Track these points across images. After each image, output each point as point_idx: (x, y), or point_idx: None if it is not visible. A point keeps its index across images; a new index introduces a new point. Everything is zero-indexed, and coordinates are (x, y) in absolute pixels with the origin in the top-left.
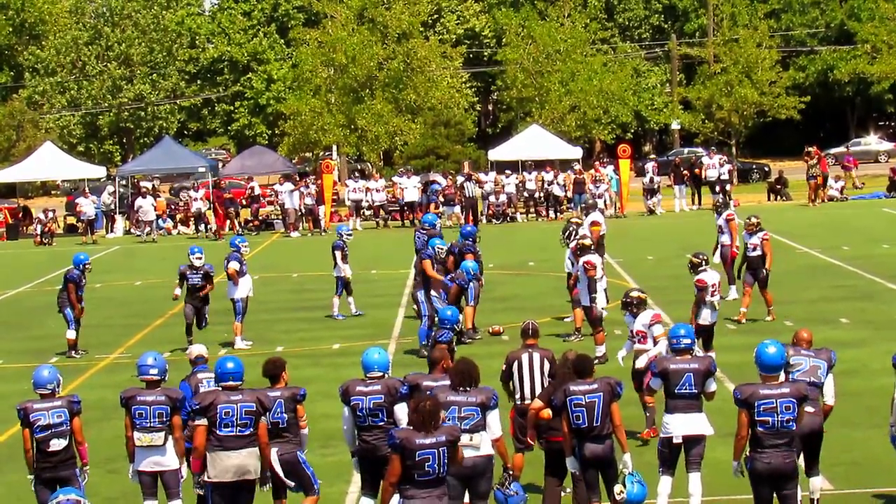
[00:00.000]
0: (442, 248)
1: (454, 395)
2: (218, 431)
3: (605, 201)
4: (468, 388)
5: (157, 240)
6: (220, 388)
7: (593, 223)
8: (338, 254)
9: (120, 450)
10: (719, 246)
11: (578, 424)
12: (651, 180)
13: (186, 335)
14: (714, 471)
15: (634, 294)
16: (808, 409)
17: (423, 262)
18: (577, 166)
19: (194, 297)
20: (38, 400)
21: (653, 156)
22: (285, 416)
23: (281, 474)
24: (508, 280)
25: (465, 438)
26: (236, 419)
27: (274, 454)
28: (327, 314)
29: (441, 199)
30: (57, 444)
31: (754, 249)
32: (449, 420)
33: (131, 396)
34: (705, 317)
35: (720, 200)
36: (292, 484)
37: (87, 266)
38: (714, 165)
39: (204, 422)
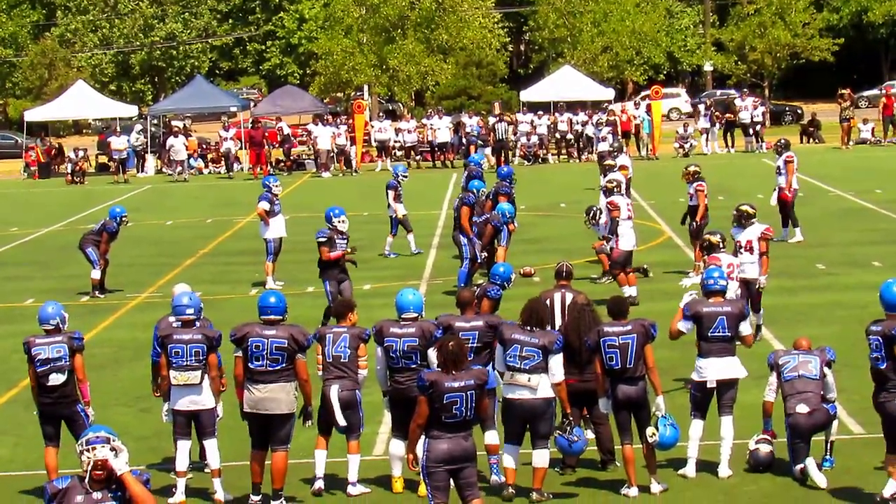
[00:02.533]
0: (483, 191)
1: (519, 332)
2: (249, 364)
3: (609, 144)
4: (534, 329)
5: (189, 179)
6: (256, 322)
7: (622, 167)
8: (391, 193)
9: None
10: (776, 188)
11: (611, 366)
12: (685, 128)
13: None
14: (746, 413)
15: (745, 207)
16: (804, 408)
17: (461, 208)
18: (610, 107)
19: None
20: (42, 335)
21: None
22: (349, 351)
23: (338, 412)
24: (540, 221)
25: (522, 378)
26: (267, 353)
27: (335, 391)
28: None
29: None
30: (55, 379)
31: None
32: (510, 358)
33: (168, 335)
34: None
35: (782, 141)
36: (344, 423)
37: (124, 218)
38: (747, 108)
39: (240, 353)
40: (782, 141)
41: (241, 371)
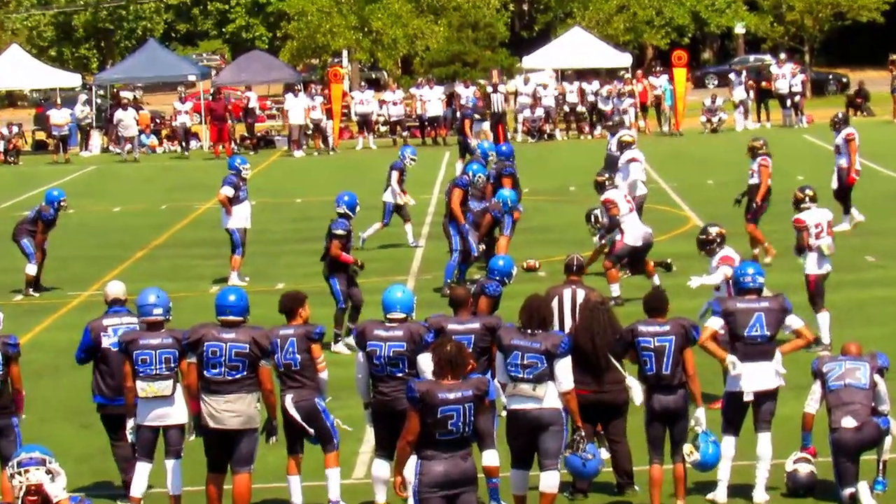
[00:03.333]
0: (482, 178)
1: (518, 337)
2: (205, 372)
3: (630, 118)
4: (535, 332)
5: (140, 159)
6: (213, 323)
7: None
8: (394, 175)
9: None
10: (836, 169)
11: (645, 371)
12: (713, 100)
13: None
14: (783, 429)
15: (714, 230)
16: (851, 422)
17: (452, 191)
18: (627, 75)
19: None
20: None
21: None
22: (298, 356)
23: (300, 421)
24: (546, 207)
25: (526, 388)
26: (225, 360)
27: (289, 401)
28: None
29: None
30: None
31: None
32: (511, 367)
33: (133, 340)
34: (811, 265)
35: (840, 116)
36: (312, 431)
37: (62, 204)
38: (784, 76)
39: (194, 359)
40: (840, 115)
41: (195, 380)
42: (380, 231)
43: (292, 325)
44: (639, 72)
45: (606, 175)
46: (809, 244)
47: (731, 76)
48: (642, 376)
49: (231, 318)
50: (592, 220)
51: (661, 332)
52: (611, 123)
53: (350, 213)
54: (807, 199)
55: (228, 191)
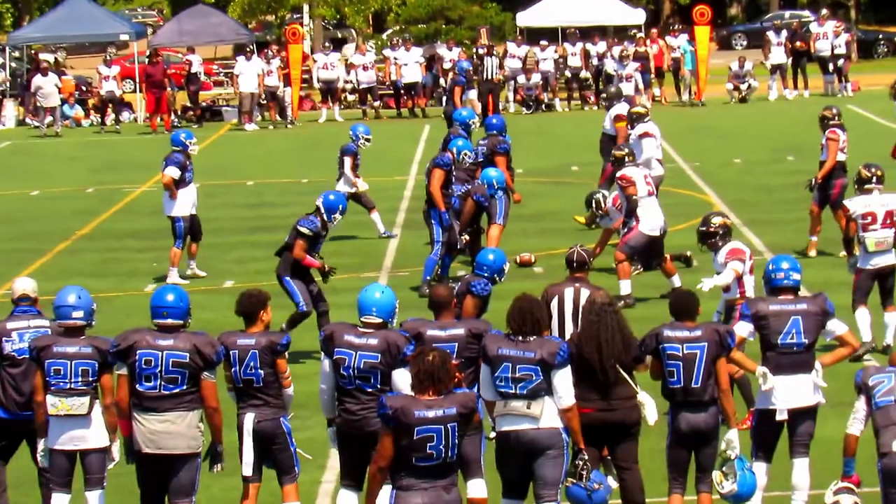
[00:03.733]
0: (468, 155)
1: (507, 345)
2: (138, 386)
3: (636, 85)
4: (527, 338)
5: (62, 133)
6: (148, 329)
7: (618, 117)
8: (347, 161)
9: None
10: None
11: (671, 383)
12: (741, 64)
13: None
14: (822, 453)
15: (718, 220)
16: None
17: (432, 172)
18: (640, 35)
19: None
20: None
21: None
22: (261, 372)
23: (248, 446)
24: (543, 191)
25: (519, 406)
26: (161, 371)
27: (250, 421)
28: None
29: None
30: None
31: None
32: (500, 381)
33: (45, 347)
34: (868, 257)
35: None
36: (251, 459)
37: None
38: (826, 35)
39: (124, 371)
40: None
41: (125, 395)
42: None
43: (252, 334)
44: (653, 31)
45: (627, 150)
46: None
47: (770, 34)
48: (667, 390)
49: (169, 321)
50: (594, 205)
51: (692, 338)
52: (606, 95)
53: (325, 215)
54: (873, 178)
55: (174, 171)
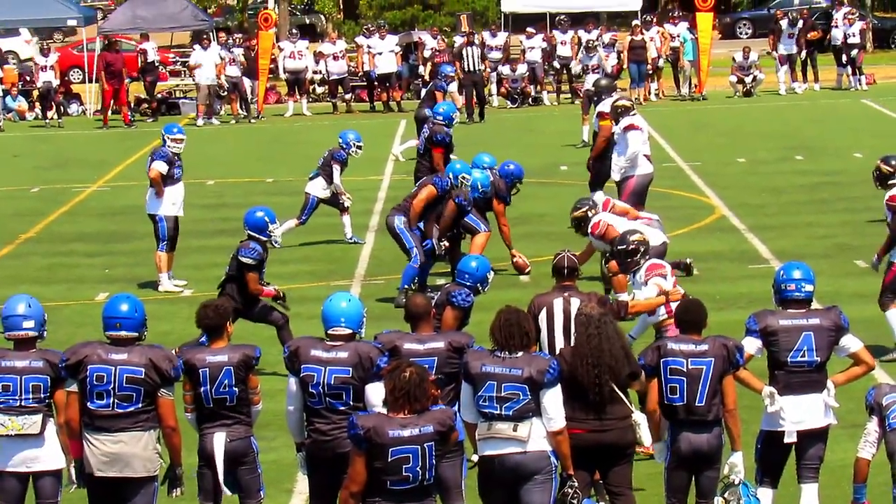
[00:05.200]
0: (467, 179)
1: (492, 362)
2: (89, 404)
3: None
4: (514, 354)
5: (5, 127)
6: (100, 342)
7: (600, 115)
8: (336, 170)
9: None
10: None
11: (673, 401)
12: (746, 54)
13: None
14: (832, 479)
15: (634, 238)
16: None
17: (424, 186)
18: (636, 22)
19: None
20: None
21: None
22: (235, 389)
23: (221, 465)
24: (529, 192)
25: (504, 428)
26: (115, 388)
27: (220, 441)
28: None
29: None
30: None
31: None
32: (483, 401)
33: None
34: None
35: None
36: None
37: None
38: (839, 22)
39: (74, 388)
40: None
41: (76, 414)
42: (294, 230)
43: (222, 349)
44: (649, 17)
45: (585, 207)
46: None
47: (784, 23)
48: (668, 408)
49: (123, 333)
50: (579, 216)
51: (698, 352)
52: (594, 87)
53: (261, 236)
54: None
55: (161, 166)
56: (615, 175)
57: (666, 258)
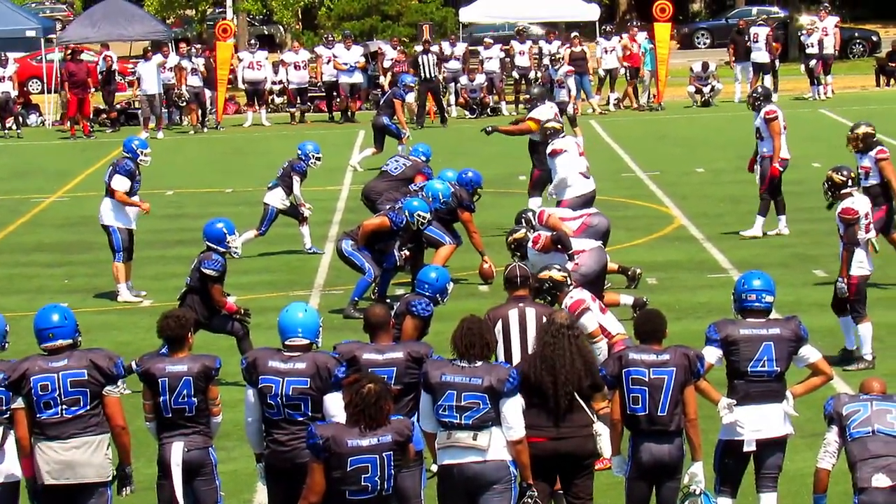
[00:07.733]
0: (424, 217)
1: (451, 371)
2: (38, 416)
3: (568, 92)
4: (474, 363)
5: None
6: (38, 354)
7: (530, 118)
8: (296, 181)
9: None
10: (758, 159)
11: (635, 410)
12: (705, 67)
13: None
14: (791, 488)
15: (549, 274)
16: (884, 480)
17: (381, 216)
18: (574, 34)
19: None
20: None
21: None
22: (194, 399)
23: (178, 480)
24: (487, 202)
25: (464, 437)
26: (60, 394)
27: (178, 450)
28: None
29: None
30: None
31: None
32: (442, 410)
33: None
34: (857, 265)
35: (760, 91)
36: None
37: None
38: (828, 30)
39: (20, 403)
40: (759, 90)
41: (25, 431)
42: (253, 240)
43: (182, 359)
44: (634, 28)
45: (522, 231)
46: (859, 240)
47: (756, 29)
48: (630, 418)
49: (58, 342)
50: (524, 223)
51: (659, 362)
52: (529, 95)
53: (220, 247)
54: (849, 181)
55: (124, 183)
56: (550, 195)
57: (619, 266)
